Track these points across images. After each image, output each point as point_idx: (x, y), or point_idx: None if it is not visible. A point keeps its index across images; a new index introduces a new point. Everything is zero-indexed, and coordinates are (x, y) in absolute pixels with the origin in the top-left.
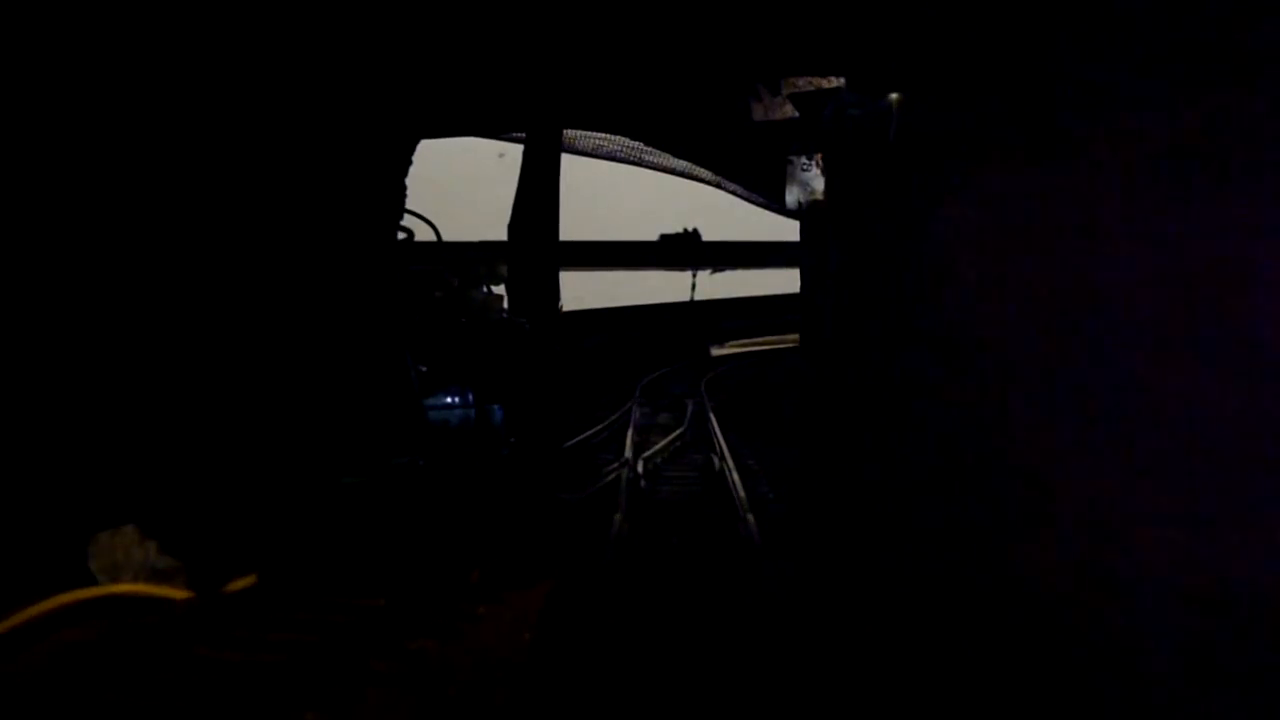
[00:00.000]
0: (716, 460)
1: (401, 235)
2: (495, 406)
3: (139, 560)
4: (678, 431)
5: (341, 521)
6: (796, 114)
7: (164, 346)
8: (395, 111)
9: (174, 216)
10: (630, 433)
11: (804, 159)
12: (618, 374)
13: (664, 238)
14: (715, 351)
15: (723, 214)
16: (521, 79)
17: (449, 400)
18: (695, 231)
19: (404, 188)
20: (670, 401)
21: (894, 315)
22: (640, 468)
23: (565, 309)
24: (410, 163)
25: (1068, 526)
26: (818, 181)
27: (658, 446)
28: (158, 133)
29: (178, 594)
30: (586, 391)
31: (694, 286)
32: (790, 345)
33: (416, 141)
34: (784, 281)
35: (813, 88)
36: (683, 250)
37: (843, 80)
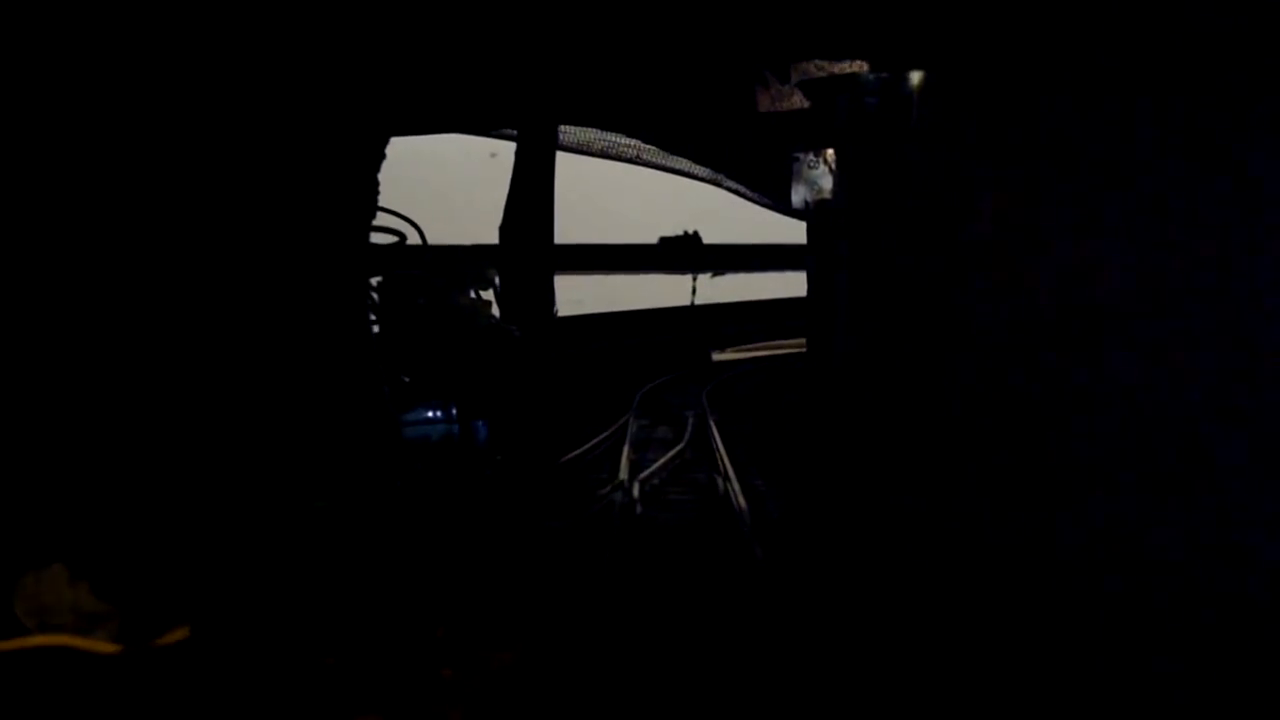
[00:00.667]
0: (720, 481)
1: (392, 239)
2: (479, 422)
3: (69, 604)
4: (677, 448)
5: (301, 554)
6: (807, 104)
7: (96, 355)
8: (361, 101)
9: (102, 214)
10: (626, 449)
11: (811, 156)
12: (614, 383)
13: (664, 240)
14: (717, 357)
15: (723, 217)
16: (508, 66)
17: (429, 414)
18: (696, 234)
19: (375, 185)
20: (669, 414)
21: (916, 324)
22: (636, 490)
23: (560, 314)
24: (383, 156)
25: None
26: (825, 180)
27: (656, 465)
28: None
29: (105, 648)
30: (580, 402)
31: (694, 291)
32: (795, 351)
33: (388, 134)
34: (783, 285)
35: (825, 73)
36: (683, 254)
37: (859, 65)
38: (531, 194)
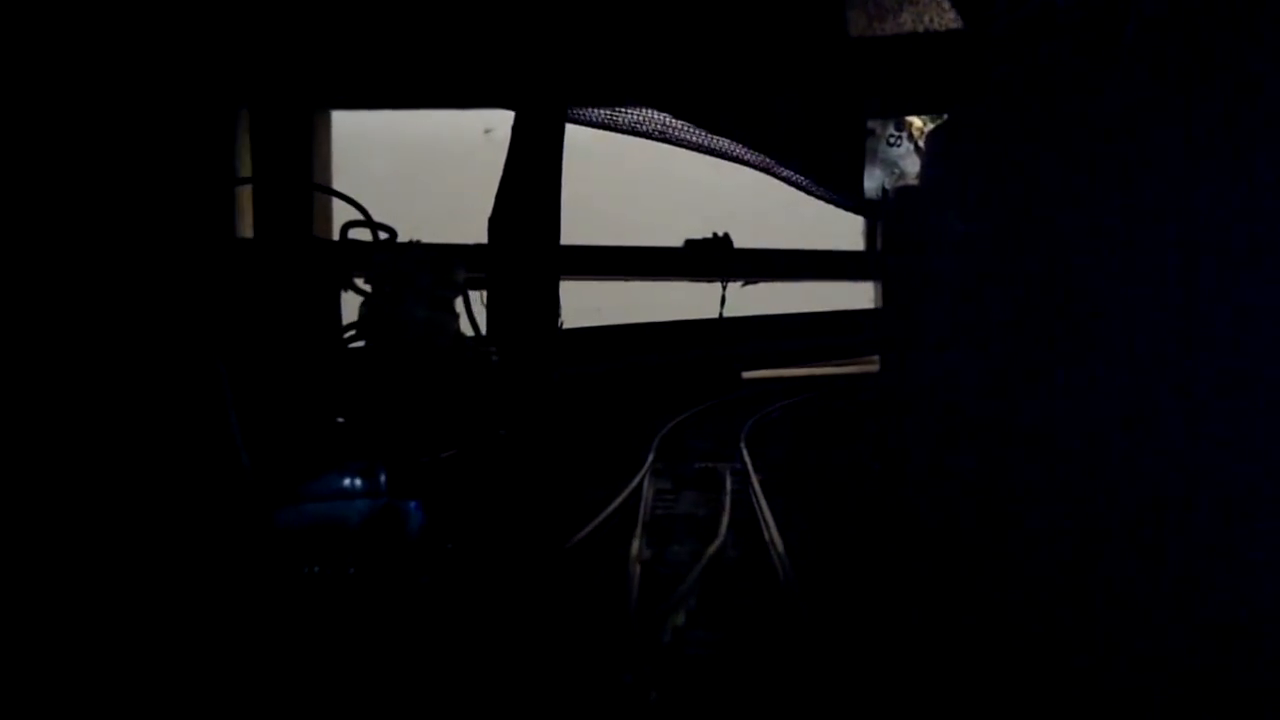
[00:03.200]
0: (790, 615)
1: (382, 235)
2: (412, 504)
3: None
4: (715, 545)
5: None
6: (920, 25)
7: None
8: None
9: None
10: (636, 544)
11: (892, 129)
12: (628, 415)
13: (690, 244)
14: (750, 375)
15: (758, 222)
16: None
17: (346, 484)
18: (726, 236)
19: (228, 166)
20: (698, 472)
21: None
22: (650, 646)
23: (568, 326)
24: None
25: None
26: (909, 161)
27: (683, 587)
28: None
29: None
30: (582, 449)
31: (723, 301)
32: (844, 371)
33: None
34: (821, 298)
35: None
36: (711, 258)
37: None
38: (532, 179)
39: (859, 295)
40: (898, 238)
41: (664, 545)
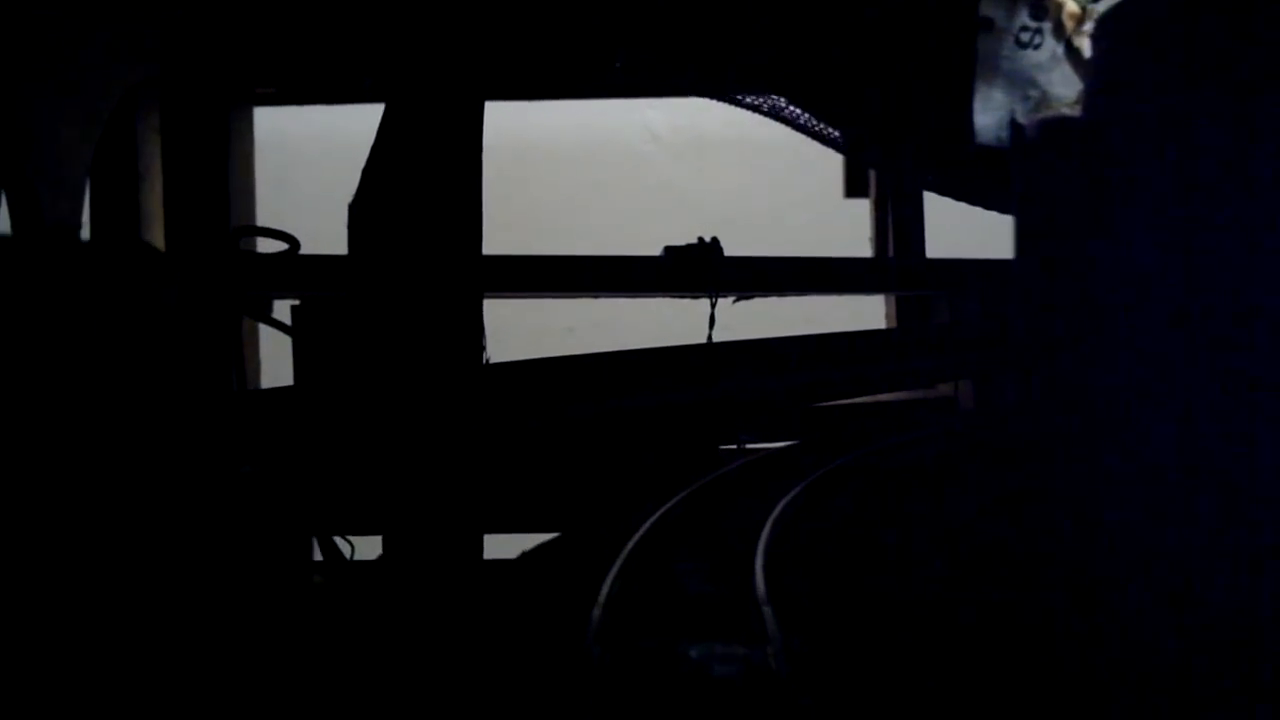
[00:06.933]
0: None
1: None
2: None
3: None
4: None
5: None
6: None
7: None
8: None
9: None
10: None
11: (1025, 17)
12: (566, 510)
13: (670, 251)
14: (749, 413)
15: (753, 227)
16: None
17: None
18: (714, 242)
19: None
20: (683, 696)
21: None
22: None
23: (522, 356)
24: None
25: None
26: (1057, 74)
27: None
28: None
29: None
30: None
31: (712, 321)
32: (868, 402)
33: None
34: (801, 319)
35: None
36: (696, 269)
37: None
38: (428, 145)
39: (864, 313)
40: (1050, 208)
41: None
